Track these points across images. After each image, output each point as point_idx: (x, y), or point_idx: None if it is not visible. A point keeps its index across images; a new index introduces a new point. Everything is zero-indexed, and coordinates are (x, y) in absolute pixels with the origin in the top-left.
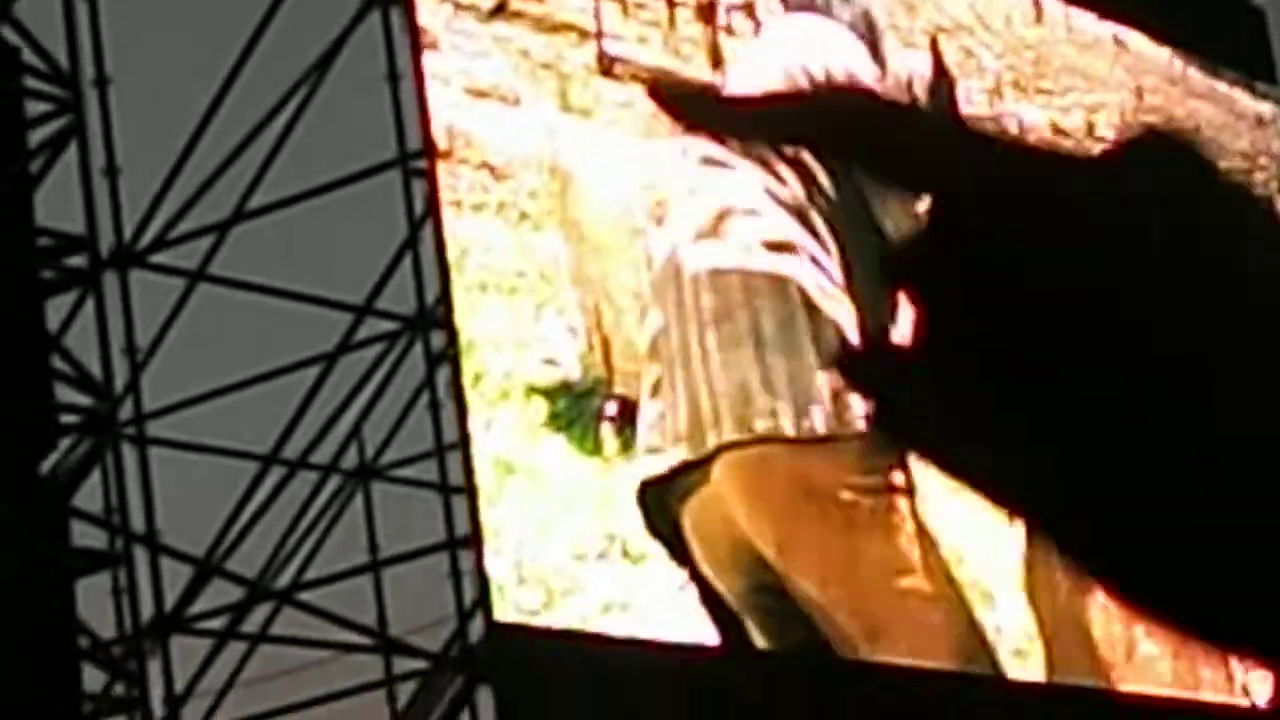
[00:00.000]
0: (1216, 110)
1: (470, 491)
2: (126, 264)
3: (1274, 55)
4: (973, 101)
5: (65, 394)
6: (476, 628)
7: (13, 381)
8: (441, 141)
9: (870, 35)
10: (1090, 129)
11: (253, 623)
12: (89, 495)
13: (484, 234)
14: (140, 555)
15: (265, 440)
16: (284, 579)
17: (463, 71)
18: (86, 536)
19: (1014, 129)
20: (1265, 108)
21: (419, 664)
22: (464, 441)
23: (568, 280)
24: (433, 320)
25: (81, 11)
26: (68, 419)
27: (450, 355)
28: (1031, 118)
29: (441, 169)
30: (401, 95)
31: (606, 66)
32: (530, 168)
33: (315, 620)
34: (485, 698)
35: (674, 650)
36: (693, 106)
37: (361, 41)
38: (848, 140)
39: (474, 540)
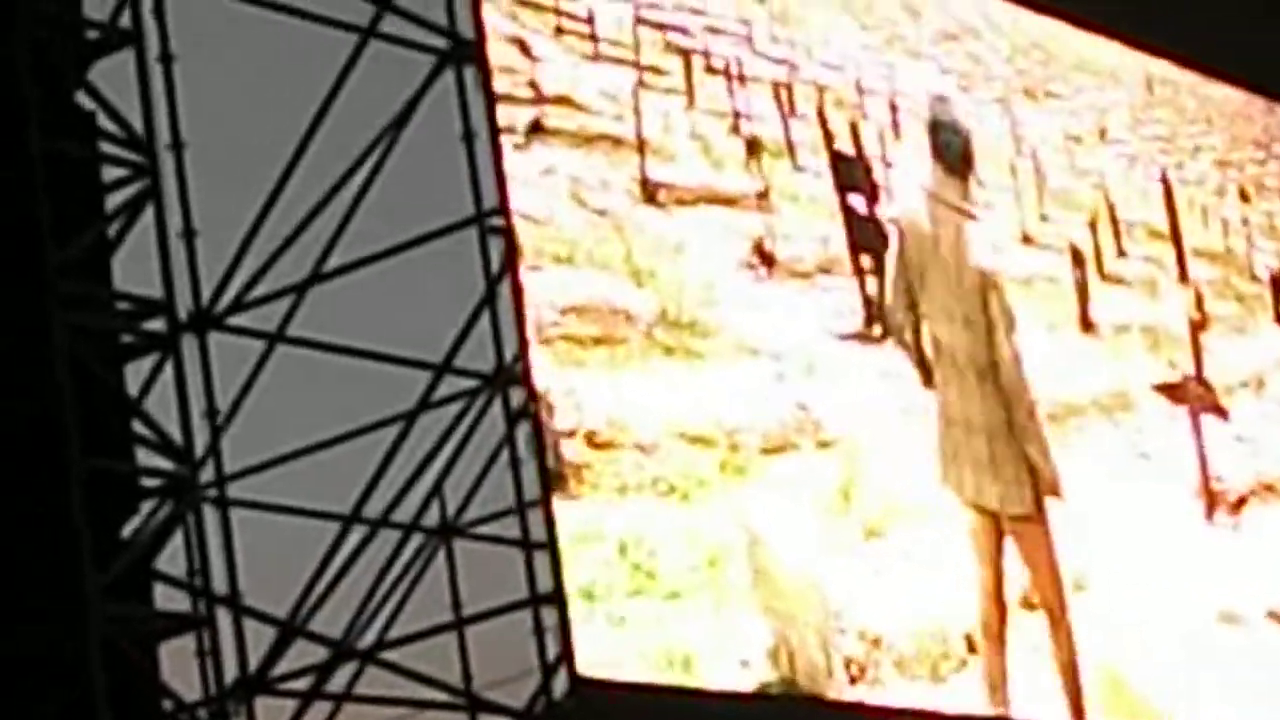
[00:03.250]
0: (1228, 97)
1: (553, 547)
2: (205, 327)
3: None
4: (983, 118)
5: (146, 458)
6: (561, 683)
7: (95, 446)
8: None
9: None
10: (1103, 134)
11: (337, 683)
12: (171, 558)
13: None
14: (223, 617)
15: (346, 500)
16: (367, 638)
17: None
18: (170, 599)
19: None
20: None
21: None
22: (545, 497)
23: None
24: (511, 377)
25: (156, 75)
26: (149, 483)
27: (530, 411)
28: (1044, 128)
29: None
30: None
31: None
32: None
33: (399, 679)
34: None
35: (752, 699)
36: None
37: (436, 101)
38: None
39: (557, 595)
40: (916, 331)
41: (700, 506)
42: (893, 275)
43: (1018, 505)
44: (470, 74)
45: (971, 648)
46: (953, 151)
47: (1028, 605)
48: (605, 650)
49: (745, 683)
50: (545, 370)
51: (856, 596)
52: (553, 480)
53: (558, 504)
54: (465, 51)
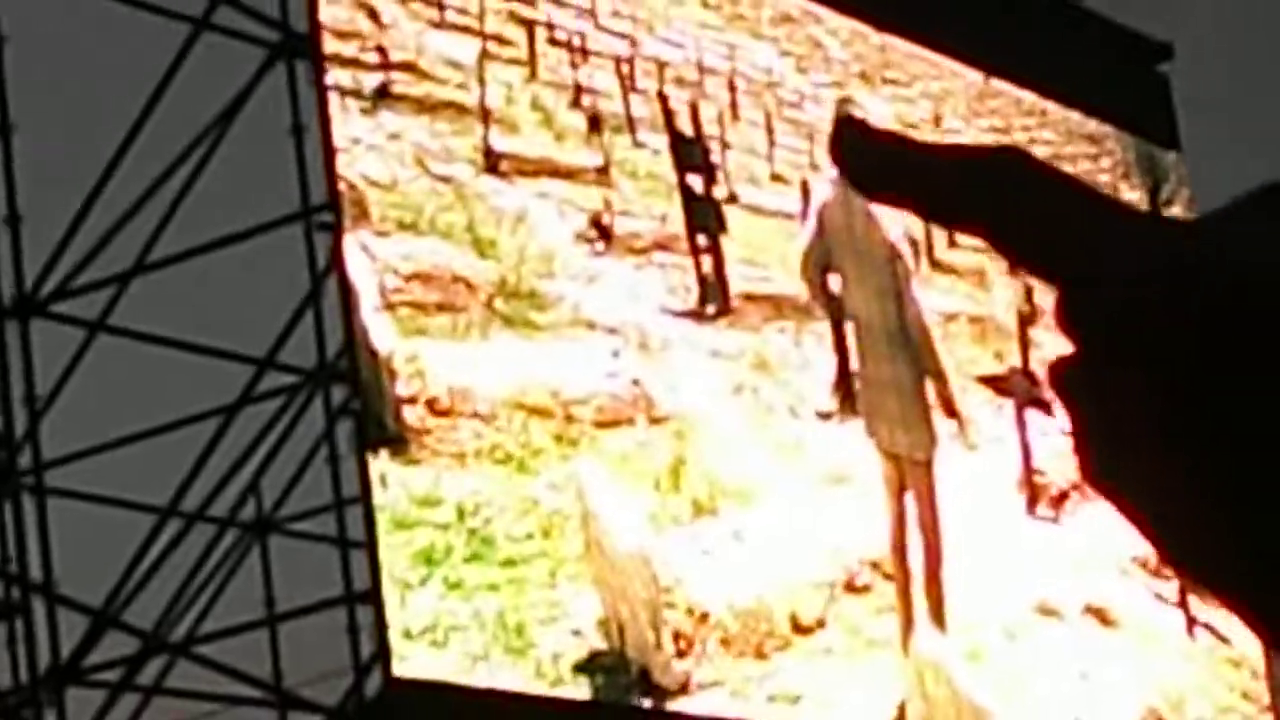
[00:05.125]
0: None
1: (371, 545)
2: (28, 313)
3: (1175, 120)
4: (820, 99)
5: None
6: (374, 683)
7: None
8: None
9: None
10: (937, 120)
11: (148, 675)
12: None
13: None
14: (38, 605)
15: (164, 492)
16: (180, 631)
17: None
18: None
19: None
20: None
21: (315, 719)
22: (365, 495)
23: None
24: (334, 373)
25: None
26: None
27: (351, 409)
28: (877, 111)
29: None
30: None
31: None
32: None
33: (211, 673)
34: None
35: (564, 704)
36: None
37: (267, 94)
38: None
39: (374, 594)
40: (828, 305)
41: (536, 476)
42: (804, 254)
43: (919, 451)
44: (302, 68)
45: (796, 628)
46: None
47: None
48: (438, 617)
49: (577, 651)
50: (388, 336)
51: (685, 573)
52: (393, 445)
53: (398, 468)
54: (297, 45)
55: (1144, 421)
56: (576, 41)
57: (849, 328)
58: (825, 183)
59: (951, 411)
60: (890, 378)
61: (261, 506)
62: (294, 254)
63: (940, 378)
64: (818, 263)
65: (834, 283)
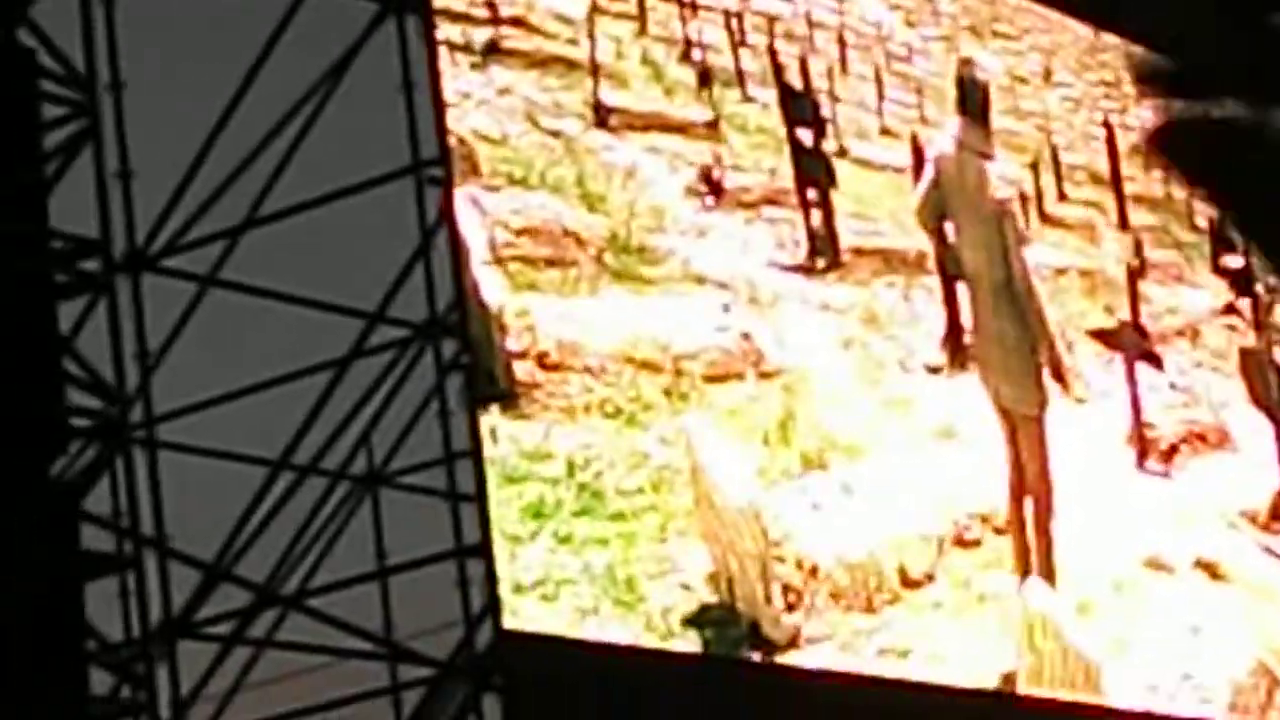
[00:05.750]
0: None
1: (481, 499)
2: (139, 268)
3: None
4: (929, 53)
5: (77, 397)
6: (484, 636)
7: (24, 385)
8: None
9: None
10: (1047, 74)
11: (260, 628)
12: (99, 499)
13: None
14: (149, 559)
15: (275, 446)
16: (292, 585)
17: None
18: (96, 540)
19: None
20: None
21: (426, 671)
22: (475, 449)
23: None
24: (445, 327)
25: (98, 15)
26: (79, 422)
27: (462, 364)
28: (990, 66)
29: None
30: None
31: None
32: None
33: (322, 626)
34: (492, 705)
35: (674, 657)
36: None
37: (377, 49)
38: None
39: (484, 548)
40: (940, 250)
41: (646, 430)
42: (920, 201)
43: (1025, 407)
44: (412, 23)
45: (905, 582)
46: (974, 103)
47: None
48: (548, 571)
49: (686, 604)
50: (498, 290)
51: (794, 527)
52: (503, 399)
53: (508, 423)
54: (407, 0)
55: None
56: None
57: (960, 283)
58: (941, 135)
59: (1059, 375)
60: (998, 333)
61: (372, 460)
62: (404, 208)
63: (1048, 340)
64: (934, 211)
65: (949, 231)
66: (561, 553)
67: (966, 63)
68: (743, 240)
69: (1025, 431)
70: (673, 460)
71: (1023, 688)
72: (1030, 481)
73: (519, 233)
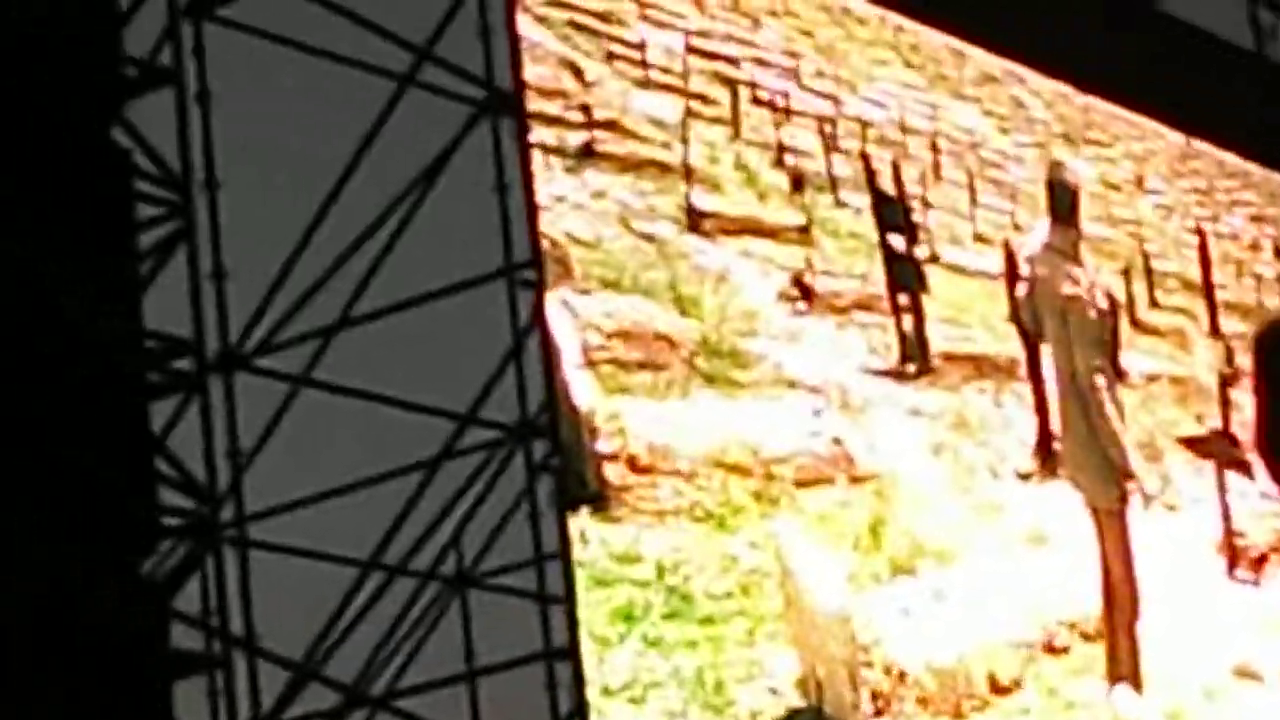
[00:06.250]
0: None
1: (570, 601)
2: (232, 367)
3: None
4: (1023, 160)
5: (168, 497)
6: None
7: (117, 484)
8: None
9: None
10: (1139, 182)
11: None
12: (189, 598)
13: None
14: (239, 658)
15: (365, 546)
16: (380, 686)
17: None
18: (186, 638)
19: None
20: None
21: None
22: (565, 551)
23: None
24: (535, 429)
25: (193, 114)
26: (170, 521)
27: (552, 465)
28: (1082, 172)
29: None
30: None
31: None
32: None
33: None
34: None
35: None
36: None
37: (471, 151)
38: None
39: (572, 651)
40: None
41: (735, 534)
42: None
43: (1103, 501)
44: (507, 126)
45: (994, 688)
46: (1064, 206)
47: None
48: (636, 674)
49: (774, 709)
50: (589, 393)
51: (884, 632)
52: (593, 502)
53: (598, 525)
54: (502, 103)
55: None
56: (780, 101)
57: (1050, 388)
58: (1031, 237)
59: (1128, 474)
60: (1075, 427)
61: (462, 561)
62: (497, 310)
63: (1114, 442)
64: (1034, 311)
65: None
66: (650, 656)
67: (1057, 165)
68: (834, 345)
69: (1109, 528)
70: (762, 564)
71: None
72: (1115, 583)
73: (611, 335)
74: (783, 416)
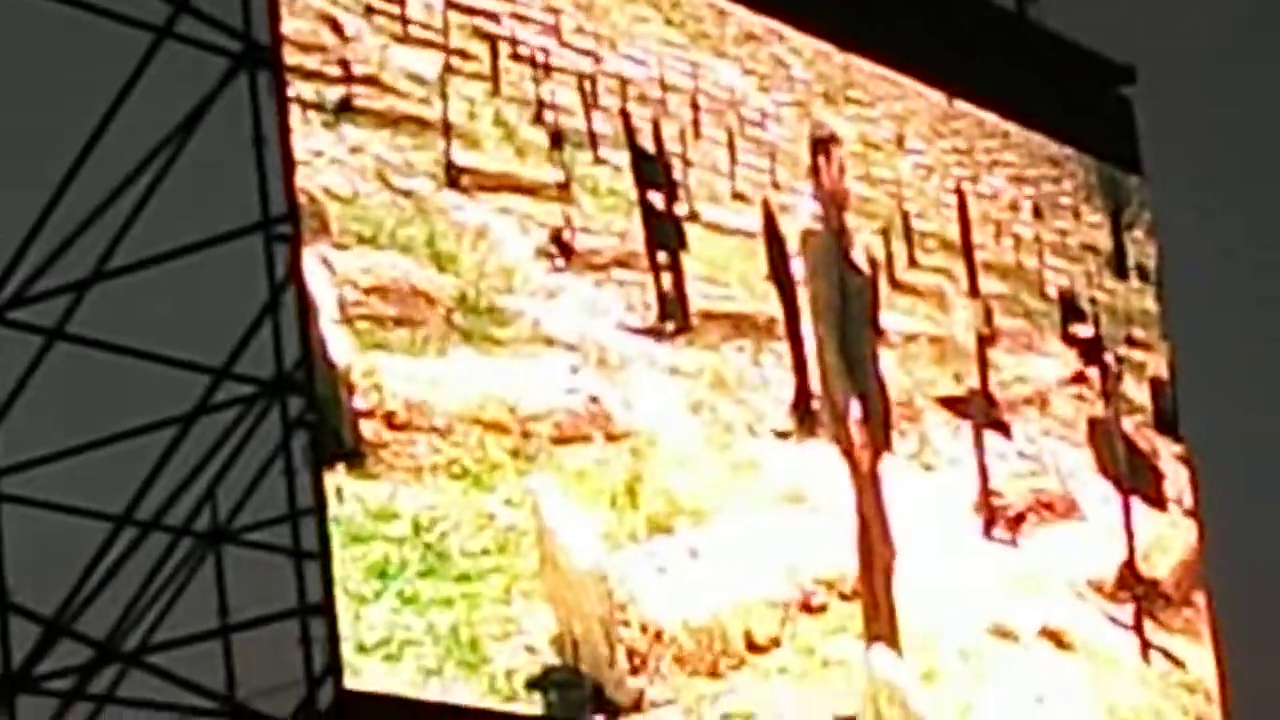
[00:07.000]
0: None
1: (325, 558)
2: None
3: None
4: (782, 118)
5: None
6: (326, 695)
7: None
8: None
9: None
10: (900, 141)
11: (101, 684)
12: None
13: None
14: None
15: (119, 501)
16: (133, 640)
17: None
18: None
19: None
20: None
21: None
22: (320, 507)
23: None
24: (291, 385)
25: None
26: None
27: (307, 421)
28: (841, 131)
29: None
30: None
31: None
32: None
33: (163, 683)
34: None
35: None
36: None
37: (228, 105)
38: None
39: (327, 607)
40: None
41: (492, 492)
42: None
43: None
44: (264, 79)
45: (751, 646)
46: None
47: None
48: (392, 631)
49: (530, 667)
50: (346, 349)
51: (640, 590)
52: (349, 458)
53: (354, 482)
54: (259, 56)
55: None
56: (539, 58)
57: (809, 347)
58: (794, 196)
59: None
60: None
61: (216, 516)
62: (252, 265)
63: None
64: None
65: (801, 297)
66: (406, 613)
67: (819, 125)
68: (592, 303)
69: (866, 488)
70: (519, 522)
71: None
72: (873, 542)
73: (368, 291)
74: (540, 374)
